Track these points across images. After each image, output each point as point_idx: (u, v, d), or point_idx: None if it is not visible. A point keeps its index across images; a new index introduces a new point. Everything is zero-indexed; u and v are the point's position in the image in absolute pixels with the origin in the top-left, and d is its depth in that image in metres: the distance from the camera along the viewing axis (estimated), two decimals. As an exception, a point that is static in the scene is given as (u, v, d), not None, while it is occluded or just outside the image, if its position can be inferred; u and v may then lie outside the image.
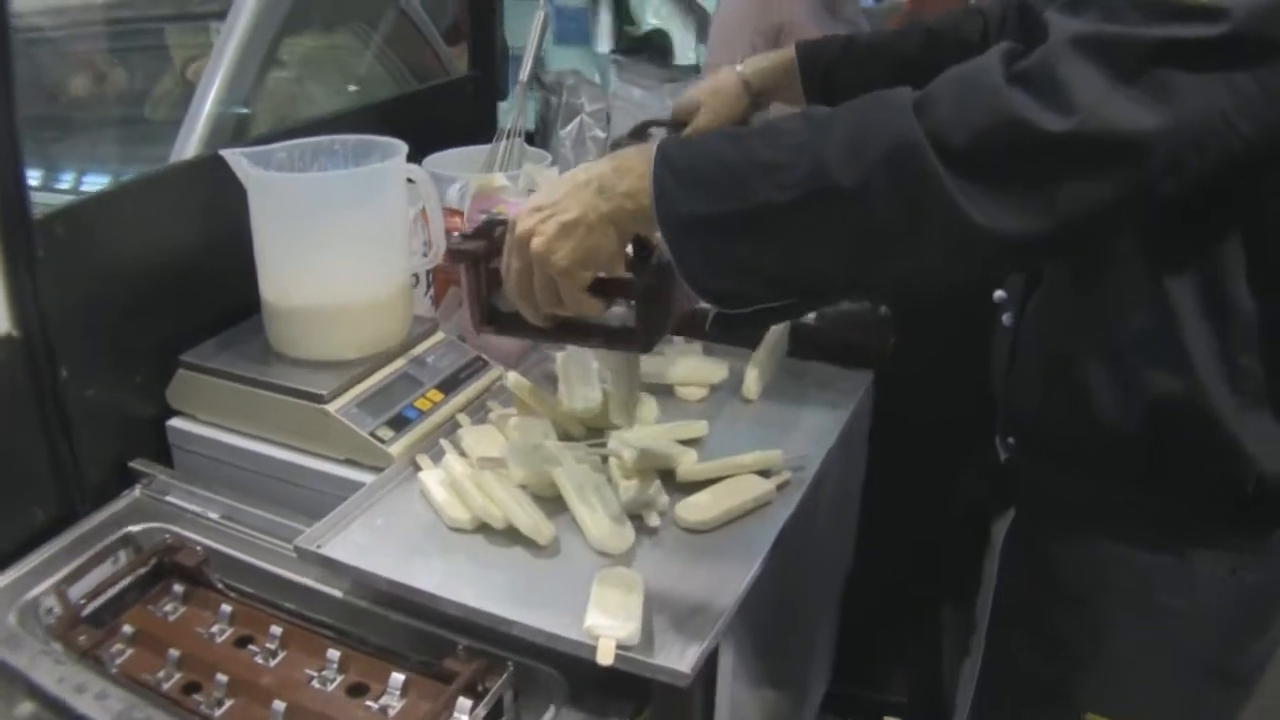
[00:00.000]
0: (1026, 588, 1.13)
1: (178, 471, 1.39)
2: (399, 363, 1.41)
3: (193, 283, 1.42)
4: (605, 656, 0.95)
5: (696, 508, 1.18)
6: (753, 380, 1.44)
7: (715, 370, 1.47)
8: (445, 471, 1.22)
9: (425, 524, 1.19)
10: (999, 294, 1.14)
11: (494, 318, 1.04)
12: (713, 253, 0.88)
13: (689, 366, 1.47)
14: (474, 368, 1.46)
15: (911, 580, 1.69)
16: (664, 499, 1.20)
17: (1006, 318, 1.12)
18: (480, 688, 1.03)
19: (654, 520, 1.17)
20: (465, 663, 1.04)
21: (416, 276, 1.55)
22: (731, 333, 0.98)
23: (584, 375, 1.35)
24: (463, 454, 1.27)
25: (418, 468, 1.26)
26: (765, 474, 1.24)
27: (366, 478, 1.27)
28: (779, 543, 1.14)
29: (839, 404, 1.43)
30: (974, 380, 1.21)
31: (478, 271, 1.02)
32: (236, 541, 1.26)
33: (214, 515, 1.30)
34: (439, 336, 1.48)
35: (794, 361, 1.52)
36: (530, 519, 1.13)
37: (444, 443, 1.29)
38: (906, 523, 1.63)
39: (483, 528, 1.16)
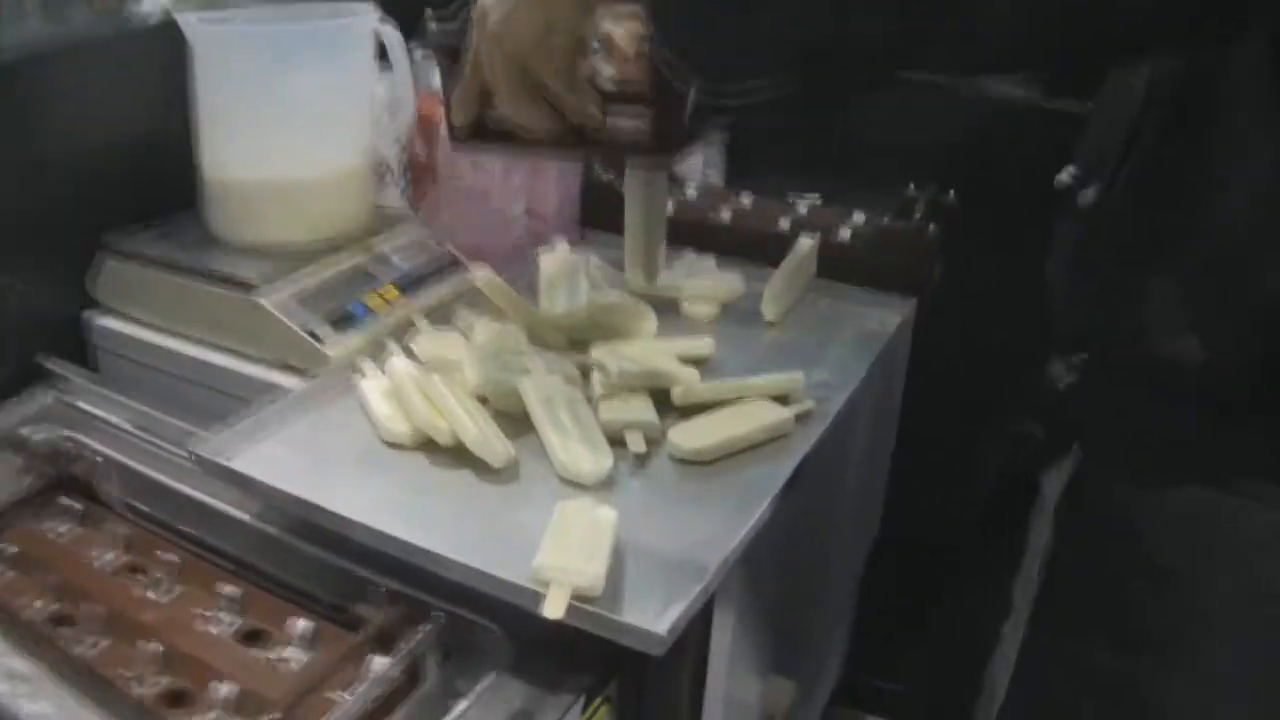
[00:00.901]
0: (1089, 554, 0.88)
1: (100, 375, 1.20)
2: (355, 255, 1.19)
3: (130, 165, 1.21)
4: (555, 608, 0.73)
5: (694, 433, 0.95)
6: (773, 298, 1.21)
7: (729, 285, 1.24)
8: (389, 378, 0.99)
9: (360, 440, 0.96)
10: (1067, 173, 0.90)
11: (479, 131, 0.84)
12: None
13: (699, 280, 1.24)
14: (445, 268, 1.24)
15: (943, 549, 1.45)
16: (654, 420, 0.97)
17: (1089, 194, 0.87)
18: (400, 643, 0.80)
19: (638, 444, 0.94)
20: (380, 609, 0.82)
21: (390, 168, 1.33)
22: (711, 128, 0.75)
23: (570, 278, 1.13)
24: (416, 361, 1.04)
25: (361, 375, 1.03)
26: (782, 402, 1.01)
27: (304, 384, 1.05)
28: (793, 483, 0.91)
29: (874, 332, 1.20)
30: (1027, 294, 0.98)
31: (457, 67, 0.82)
32: (143, 454, 1.04)
33: (126, 424, 1.09)
34: (409, 232, 1.26)
35: (823, 283, 1.28)
36: (482, 435, 0.90)
37: (391, 342, 1.06)
38: (942, 479, 1.39)
39: (427, 445, 0.94)
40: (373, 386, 1.00)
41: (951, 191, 1.34)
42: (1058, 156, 0.92)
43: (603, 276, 1.22)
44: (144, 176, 1.21)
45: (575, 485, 0.90)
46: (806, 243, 1.27)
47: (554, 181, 1.37)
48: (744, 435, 0.95)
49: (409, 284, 1.19)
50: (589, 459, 0.89)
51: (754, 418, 0.97)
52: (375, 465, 0.93)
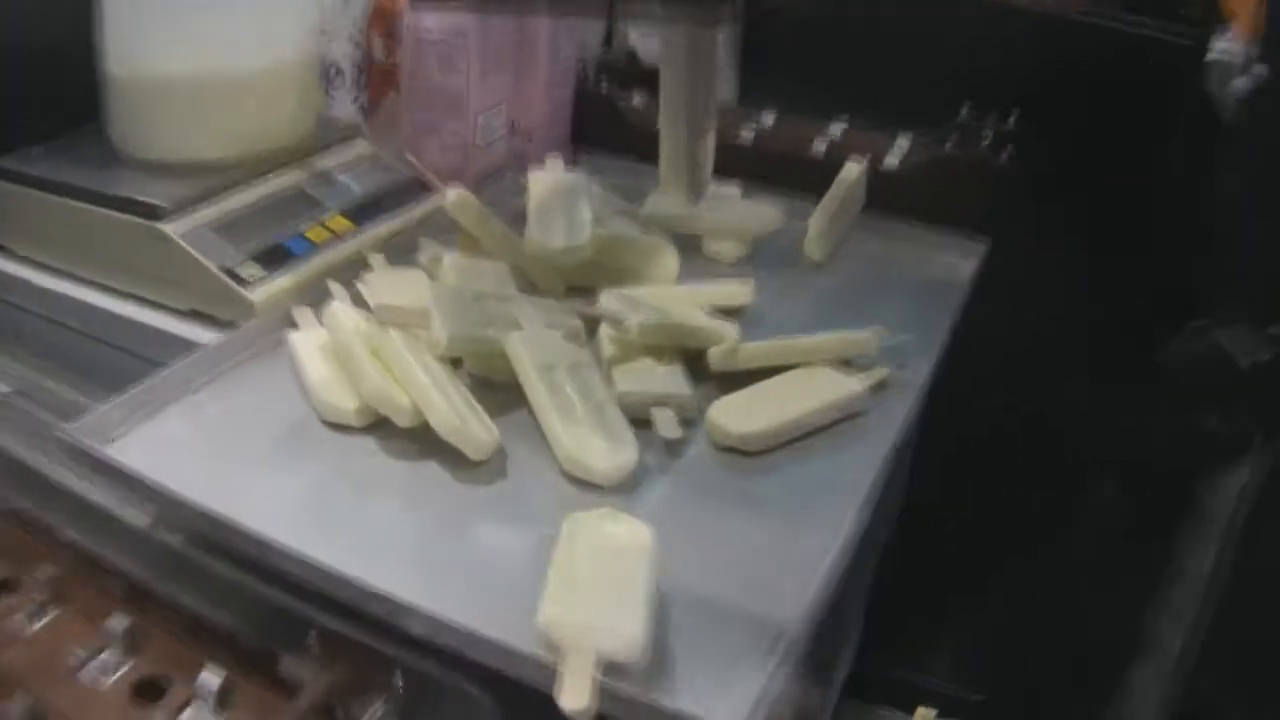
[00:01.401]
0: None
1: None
2: (292, 173, 0.93)
3: (34, 76, 0.94)
4: (577, 697, 0.48)
5: (741, 411, 0.71)
6: (819, 235, 0.96)
7: (764, 218, 0.99)
8: (330, 331, 0.75)
9: (290, 418, 0.72)
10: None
11: None
12: None
13: (724, 212, 0.99)
14: (407, 191, 0.99)
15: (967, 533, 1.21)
16: (687, 392, 0.73)
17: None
18: (340, 714, 0.56)
19: (671, 428, 0.69)
20: (318, 667, 0.58)
21: (341, 70, 1.07)
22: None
23: (569, 203, 0.88)
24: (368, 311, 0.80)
25: (294, 326, 0.79)
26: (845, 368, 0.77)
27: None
28: (879, 483, 0.68)
29: (942, 280, 0.96)
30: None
31: None
32: (18, 431, 0.79)
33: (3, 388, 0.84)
34: (360, 147, 1.00)
35: (868, 218, 1.04)
36: (456, 415, 0.66)
37: (334, 285, 0.81)
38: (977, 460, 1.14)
39: (380, 425, 0.69)
40: (309, 344, 0.75)
41: (1012, 118, 1.09)
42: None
43: (606, 205, 0.97)
44: (50, 90, 0.95)
45: (586, 485, 0.65)
46: (854, 168, 1.02)
47: (543, 88, 1.12)
48: (807, 415, 0.71)
49: (361, 211, 0.93)
50: (604, 450, 0.65)
51: (817, 390, 0.73)
52: (308, 455, 0.68)
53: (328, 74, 1.06)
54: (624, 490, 0.65)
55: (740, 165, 1.09)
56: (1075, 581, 1.03)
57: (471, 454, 0.65)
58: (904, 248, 1.01)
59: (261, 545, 0.59)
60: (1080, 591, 1.02)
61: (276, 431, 0.70)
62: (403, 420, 0.67)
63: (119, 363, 0.86)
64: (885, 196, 1.05)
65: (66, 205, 0.87)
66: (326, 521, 0.62)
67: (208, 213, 0.85)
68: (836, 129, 1.15)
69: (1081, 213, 1.00)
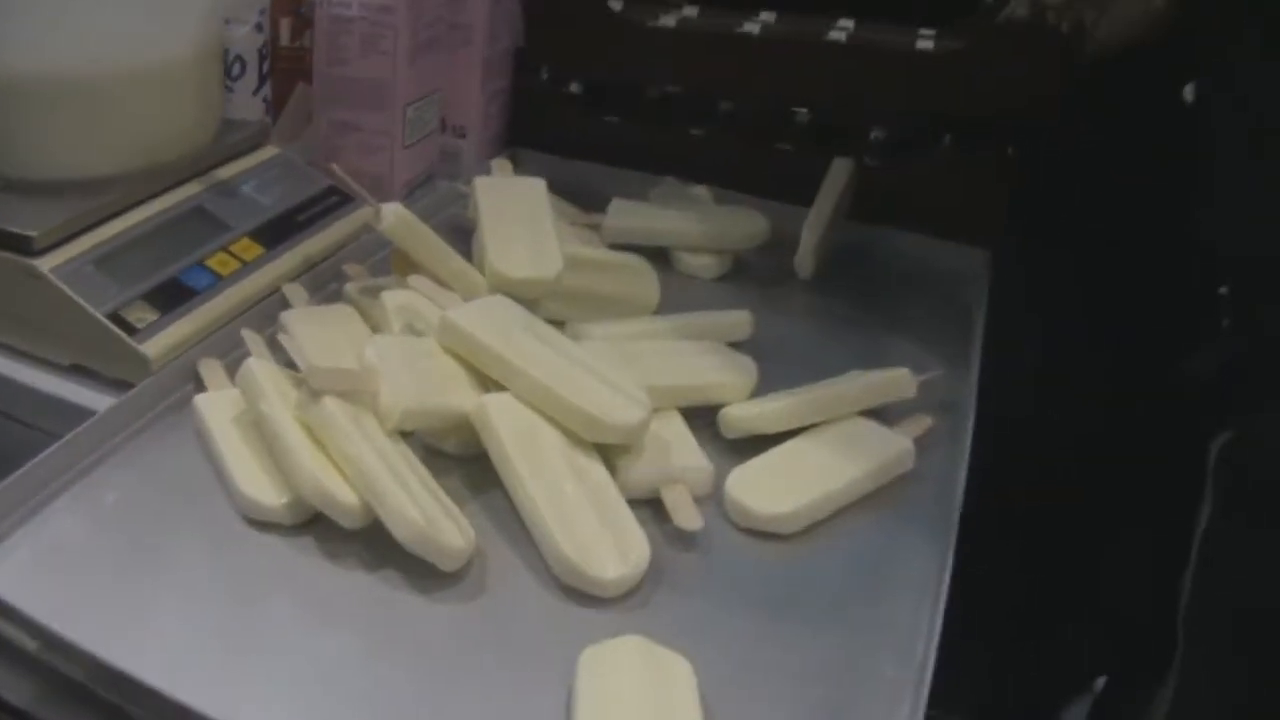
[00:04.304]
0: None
1: None
2: (188, 188, 0.77)
3: None
4: None
5: (769, 486, 0.58)
6: (812, 247, 0.83)
7: (749, 228, 0.86)
8: (248, 399, 0.59)
9: (203, 507, 0.56)
10: None
11: None
12: None
13: (705, 223, 0.86)
14: (327, 205, 0.83)
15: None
16: (704, 465, 0.59)
17: None
18: None
19: (691, 519, 0.56)
20: None
21: (243, 61, 0.91)
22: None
23: (529, 223, 0.74)
24: (288, 363, 0.65)
25: (199, 386, 0.64)
26: (873, 416, 0.65)
27: (110, 402, 0.64)
28: (947, 562, 0.55)
29: (952, 293, 0.84)
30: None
31: None
32: None
33: None
34: (269, 151, 0.85)
35: (858, 226, 0.91)
36: (421, 516, 0.51)
37: (249, 335, 0.66)
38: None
39: (316, 521, 0.55)
40: (220, 414, 0.60)
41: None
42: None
43: (562, 217, 0.83)
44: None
45: (586, 596, 0.52)
46: (845, 163, 0.90)
47: (478, 77, 0.96)
48: (851, 484, 0.58)
49: (273, 232, 0.78)
50: (610, 554, 0.51)
51: (858, 451, 0.60)
52: (228, 566, 0.53)
53: (227, 66, 0.90)
54: (635, 602, 0.52)
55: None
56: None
57: (443, 565, 0.51)
58: (900, 259, 0.89)
59: (161, 700, 0.44)
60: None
61: (189, 529, 0.55)
62: (349, 521, 0.52)
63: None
64: (877, 200, 0.92)
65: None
66: (253, 669, 0.47)
67: (87, 241, 0.70)
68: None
69: (1097, 213, 0.89)
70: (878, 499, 0.60)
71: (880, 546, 0.57)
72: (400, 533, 0.50)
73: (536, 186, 0.79)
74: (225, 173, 0.80)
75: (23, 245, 0.67)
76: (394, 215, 0.69)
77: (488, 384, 0.60)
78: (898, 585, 0.54)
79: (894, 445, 0.61)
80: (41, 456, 0.57)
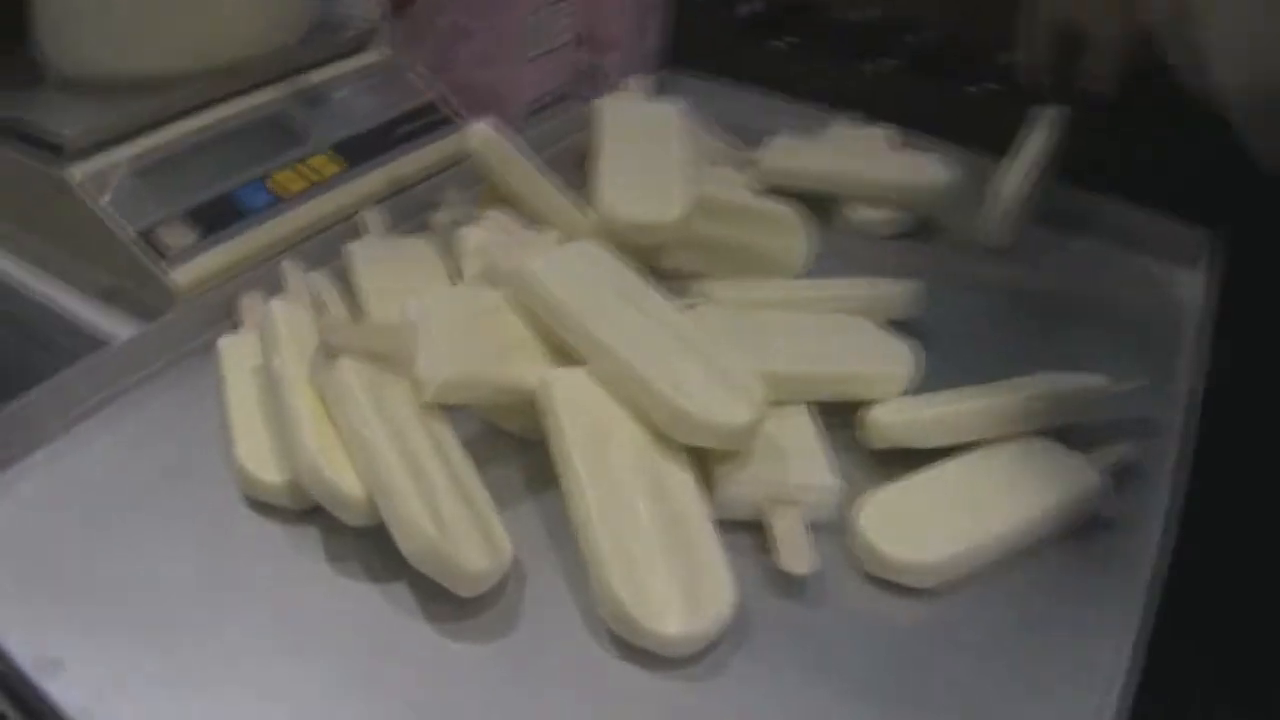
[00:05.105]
0: None
1: None
2: (265, 93, 0.67)
3: None
4: None
5: (910, 523, 0.44)
6: (1006, 210, 0.68)
7: (928, 178, 0.71)
8: (265, 353, 0.48)
9: (202, 477, 0.46)
10: None
11: None
12: None
13: (880, 169, 0.71)
14: (430, 121, 0.71)
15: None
16: (830, 483, 0.45)
17: None
18: None
19: (800, 561, 0.42)
20: None
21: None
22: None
23: (655, 157, 0.61)
24: (344, 302, 0.54)
25: (233, 326, 0.53)
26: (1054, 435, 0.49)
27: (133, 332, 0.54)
28: (1141, 644, 0.40)
29: (1173, 284, 0.67)
30: None
31: None
32: None
33: None
34: (372, 56, 0.73)
35: (1066, 191, 0.74)
36: (431, 524, 0.39)
37: (288, 267, 0.55)
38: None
39: (315, 513, 0.43)
40: (241, 362, 0.49)
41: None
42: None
43: (708, 153, 0.70)
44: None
45: (640, 652, 0.39)
46: (1054, 113, 0.73)
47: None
48: (1023, 528, 0.44)
49: (360, 148, 0.67)
50: (679, 599, 0.38)
51: (1032, 484, 0.45)
52: (203, 560, 0.42)
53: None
54: (704, 669, 0.39)
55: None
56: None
57: (458, 590, 0.39)
58: (1114, 236, 0.72)
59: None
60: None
61: (174, 504, 0.44)
62: (351, 518, 0.41)
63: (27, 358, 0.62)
64: (1092, 167, 0.75)
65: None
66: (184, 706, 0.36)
67: (132, 149, 0.59)
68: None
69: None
70: (1055, 552, 0.45)
71: (1052, 619, 0.42)
72: (406, 544, 0.38)
73: (671, 113, 0.65)
74: (315, 78, 0.69)
75: (53, 148, 0.58)
76: (481, 135, 0.57)
77: (563, 356, 0.47)
78: (1072, 677, 0.39)
79: (1081, 479, 0.46)
80: (27, 397, 0.47)
